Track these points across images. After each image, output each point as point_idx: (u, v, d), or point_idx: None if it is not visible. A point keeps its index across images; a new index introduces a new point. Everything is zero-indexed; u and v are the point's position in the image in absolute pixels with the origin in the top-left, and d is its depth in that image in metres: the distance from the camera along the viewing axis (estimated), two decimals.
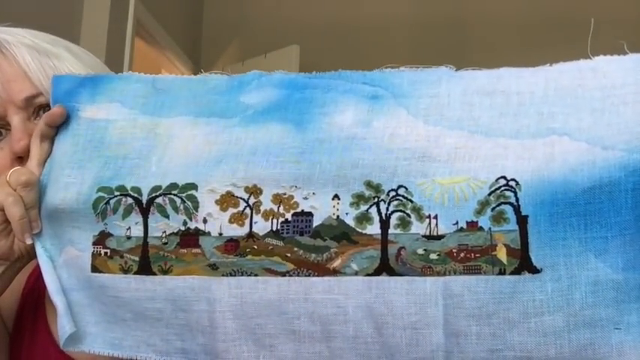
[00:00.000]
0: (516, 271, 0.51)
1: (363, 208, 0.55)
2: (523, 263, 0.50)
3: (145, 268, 0.58)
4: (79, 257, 0.60)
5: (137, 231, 0.58)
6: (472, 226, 0.52)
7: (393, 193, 0.54)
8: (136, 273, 0.58)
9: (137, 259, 0.58)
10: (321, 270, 0.54)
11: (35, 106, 0.68)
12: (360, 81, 0.59)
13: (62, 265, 0.61)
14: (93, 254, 0.60)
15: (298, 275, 0.55)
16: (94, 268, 0.59)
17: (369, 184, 0.55)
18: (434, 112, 0.56)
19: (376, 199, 0.55)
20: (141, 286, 0.58)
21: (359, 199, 0.55)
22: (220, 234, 0.56)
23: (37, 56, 0.67)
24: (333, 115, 0.58)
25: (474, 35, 3.42)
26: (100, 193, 0.59)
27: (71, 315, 0.60)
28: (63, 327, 0.59)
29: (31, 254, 0.62)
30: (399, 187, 0.54)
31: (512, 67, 0.57)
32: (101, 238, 0.59)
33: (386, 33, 3.44)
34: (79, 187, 0.60)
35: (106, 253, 0.59)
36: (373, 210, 0.55)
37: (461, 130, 0.55)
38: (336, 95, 0.59)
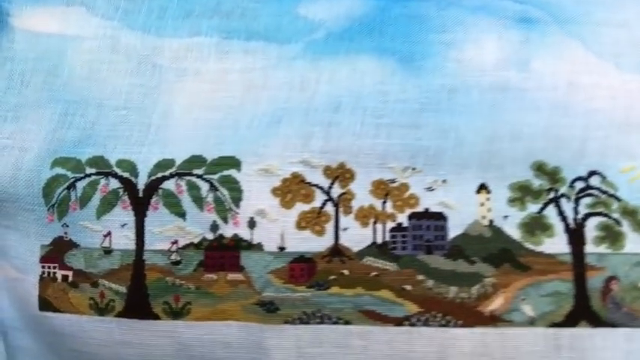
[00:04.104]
0: None
1: (534, 208, 0.33)
2: None
3: (137, 306, 0.33)
4: (17, 281, 0.35)
5: (124, 239, 0.34)
6: None
7: (581, 184, 0.34)
8: (120, 314, 0.33)
9: (124, 289, 0.33)
10: (470, 315, 0.32)
11: None
12: None
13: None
14: (41, 278, 0.34)
15: (427, 324, 0.32)
16: (44, 303, 0.34)
17: (539, 168, 0.33)
18: (628, 50, 0.36)
19: (554, 194, 0.33)
20: (131, 338, 0.34)
21: (524, 192, 0.33)
22: (282, 248, 0.33)
23: None
24: (464, 47, 0.35)
25: None
26: (58, 170, 0.34)
27: None
28: None
29: None
30: (591, 173, 0.33)
31: None
32: (55, 250, 0.34)
33: None
34: (17, 156, 0.35)
35: (65, 278, 0.34)
36: (551, 212, 0.33)
37: None
38: (461, 13, 0.36)
